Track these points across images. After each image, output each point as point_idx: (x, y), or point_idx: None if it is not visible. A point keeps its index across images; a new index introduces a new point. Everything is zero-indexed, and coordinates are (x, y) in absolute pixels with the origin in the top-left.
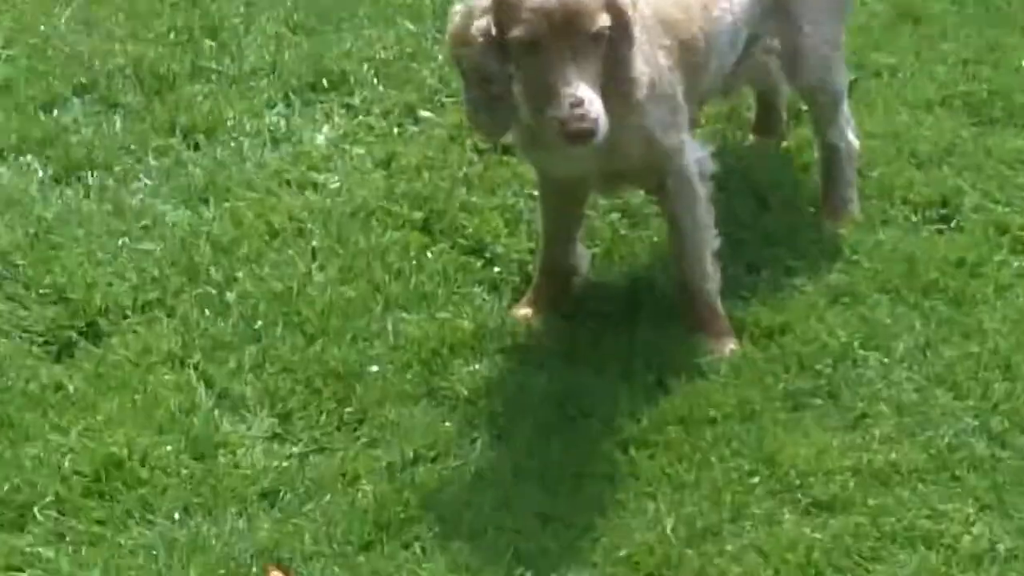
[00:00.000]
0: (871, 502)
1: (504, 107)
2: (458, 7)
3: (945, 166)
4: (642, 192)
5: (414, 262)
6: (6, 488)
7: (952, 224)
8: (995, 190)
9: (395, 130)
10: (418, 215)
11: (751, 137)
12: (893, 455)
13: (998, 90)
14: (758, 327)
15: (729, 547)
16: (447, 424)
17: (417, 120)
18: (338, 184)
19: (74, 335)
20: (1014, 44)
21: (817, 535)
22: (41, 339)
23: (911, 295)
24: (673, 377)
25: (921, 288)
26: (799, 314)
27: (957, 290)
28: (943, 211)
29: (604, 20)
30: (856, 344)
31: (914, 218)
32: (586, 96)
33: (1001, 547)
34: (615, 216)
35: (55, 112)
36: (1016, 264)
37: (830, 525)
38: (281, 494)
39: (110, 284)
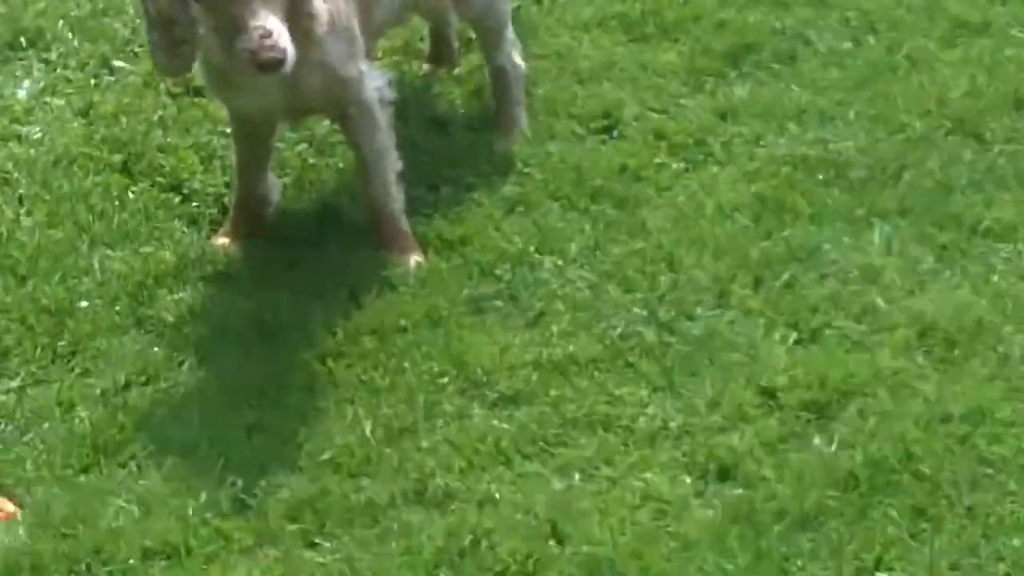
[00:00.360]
0: (552, 392)
1: (187, 49)
2: None
3: (605, 81)
4: (327, 122)
5: (116, 202)
6: None
7: (614, 134)
8: (652, 100)
9: (92, 81)
10: (118, 158)
11: (426, 67)
12: (571, 348)
13: (650, 9)
14: (441, 240)
15: (424, 443)
16: (156, 350)
17: (112, 70)
18: (40, 134)
19: None
20: None
21: (505, 426)
22: None
23: (580, 201)
24: (365, 292)
25: (589, 194)
26: (478, 225)
27: (622, 194)
28: (605, 122)
29: None
30: (532, 249)
31: (579, 130)
32: (274, 27)
33: (673, 424)
34: (303, 147)
35: None
36: (674, 167)
37: (516, 416)
38: (2, 427)
39: None
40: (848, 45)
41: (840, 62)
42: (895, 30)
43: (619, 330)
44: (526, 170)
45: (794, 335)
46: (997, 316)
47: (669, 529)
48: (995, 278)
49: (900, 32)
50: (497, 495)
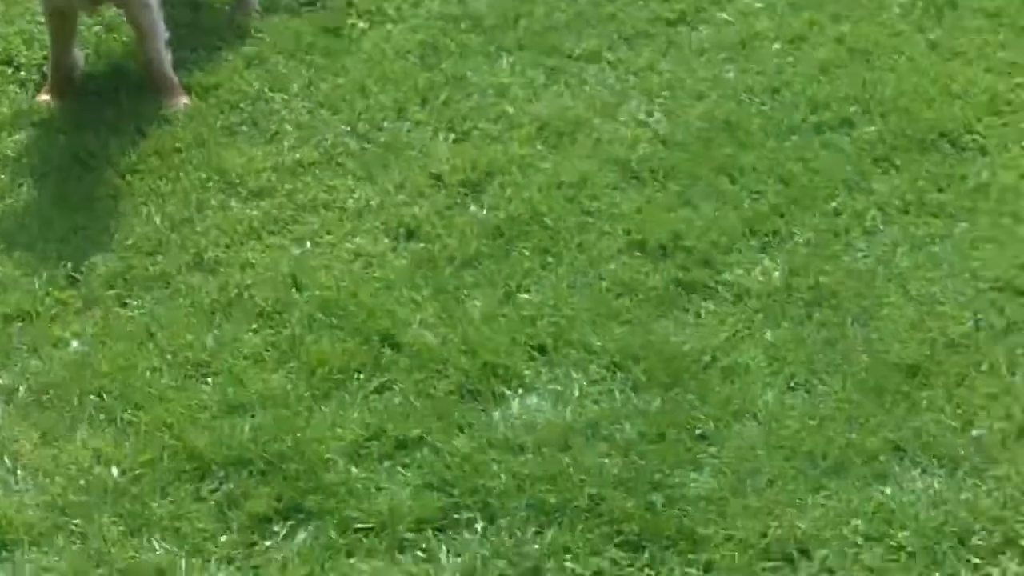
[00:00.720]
0: (287, 187)
1: None
2: None
3: None
4: (115, 9)
5: None
6: None
7: (318, 5)
8: None
9: None
10: None
11: None
12: (297, 155)
13: None
14: (200, 87)
15: (199, 228)
16: (2, 177)
17: None
18: None
19: None
20: None
21: (255, 212)
22: None
23: (298, 53)
24: (148, 126)
25: (304, 48)
26: (226, 75)
27: (327, 47)
28: None
29: None
30: (266, 89)
31: (293, 4)
32: None
33: (373, 203)
34: (97, 28)
35: None
36: (362, 26)
37: (262, 205)
38: None
39: None
40: None
41: None
42: None
43: (330, 141)
44: (259, 35)
45: (452, 136)
46: (590, 113)
47: (375, 275)
48: (587, 88)
49: None
50: (253, 261)
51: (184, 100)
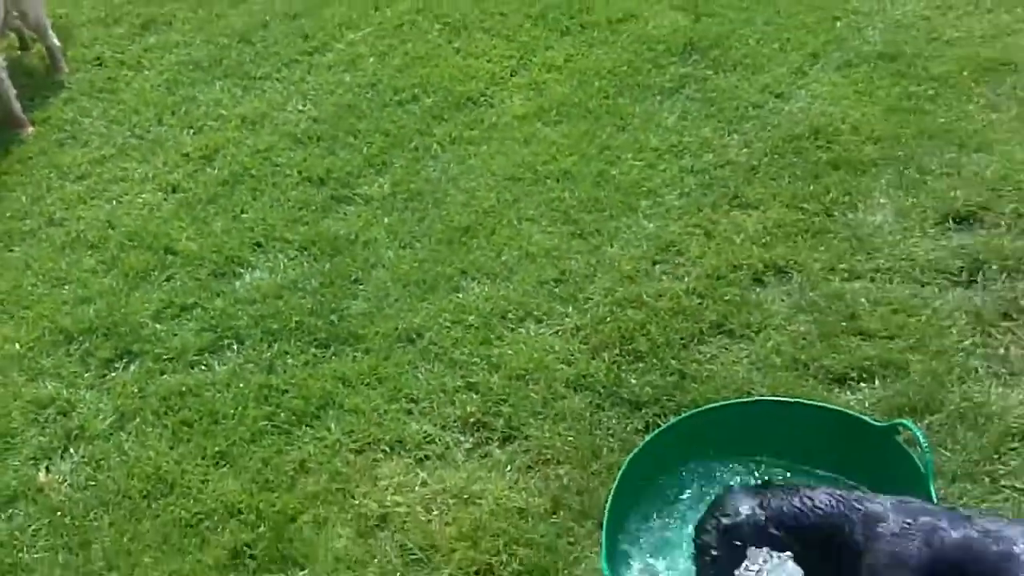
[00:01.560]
0: None
1: None
2: None
3: None
4: None
5: None
6: None
7: None
8: None
9: None
10: None
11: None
12: None
13: None
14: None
15: None
16: None
17: None
18: None
19: None
20: None
21: None
22: None
23: None
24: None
25: None
26: (57, 107)
27: None
28: None
29: None
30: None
31: None
32: None
33: None
34: None
35: None
36: None
37: None
38: None
39: None
40: None
41: None
42: None
43: (120, 142)
44: (69, 85)
45: (192, 131)
46: (270, 109)
47: (157, 215)
48: (267, 95)
49: None
50: (83, 216)
51: (30, 128)
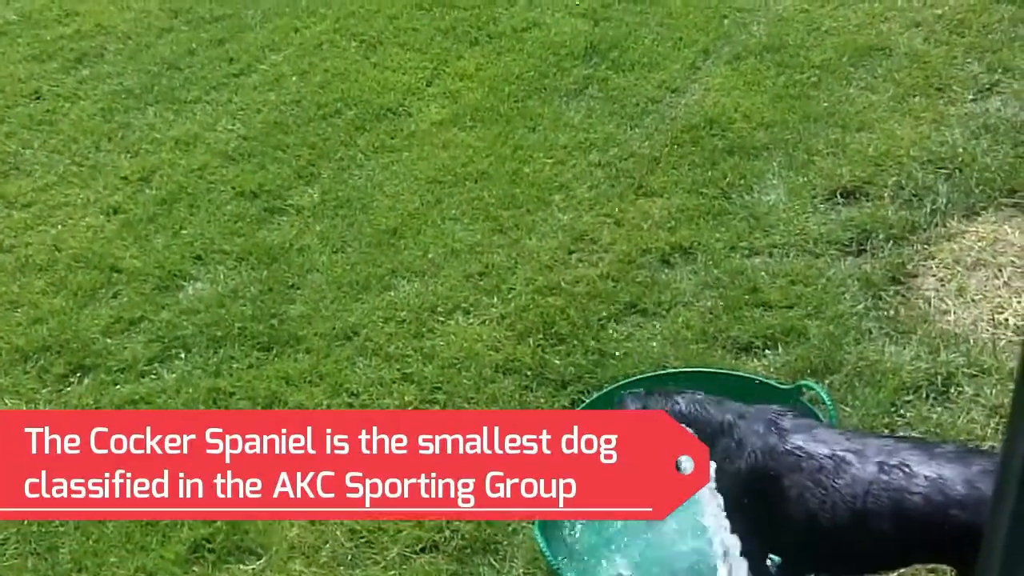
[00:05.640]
0: None
1: None
2: None
3: None
4: None
5: None
6: None
7: None
8: None
9: None
10: None
11: None
12: None
13: None
14: None
15: None
16: None
17: None
18: None
19: None
20: None
21: None
22: None
23: None
24: None
25: None
26: None
27: None
28: None
29: None
30: None
31: None
32: None
33: None
34: None
35: None
36: None
37: None
38: None
39: None
40: None
41: None
42: None
43: (62, 170)
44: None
45: (129, 154)
46: (201, 129)
47: (101, 235)
48: (197, 116)
49: None
50: (31, 241)
51: None
